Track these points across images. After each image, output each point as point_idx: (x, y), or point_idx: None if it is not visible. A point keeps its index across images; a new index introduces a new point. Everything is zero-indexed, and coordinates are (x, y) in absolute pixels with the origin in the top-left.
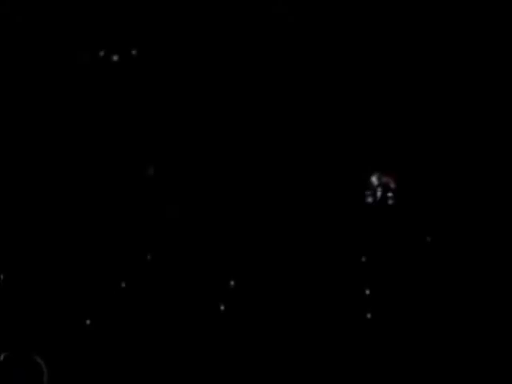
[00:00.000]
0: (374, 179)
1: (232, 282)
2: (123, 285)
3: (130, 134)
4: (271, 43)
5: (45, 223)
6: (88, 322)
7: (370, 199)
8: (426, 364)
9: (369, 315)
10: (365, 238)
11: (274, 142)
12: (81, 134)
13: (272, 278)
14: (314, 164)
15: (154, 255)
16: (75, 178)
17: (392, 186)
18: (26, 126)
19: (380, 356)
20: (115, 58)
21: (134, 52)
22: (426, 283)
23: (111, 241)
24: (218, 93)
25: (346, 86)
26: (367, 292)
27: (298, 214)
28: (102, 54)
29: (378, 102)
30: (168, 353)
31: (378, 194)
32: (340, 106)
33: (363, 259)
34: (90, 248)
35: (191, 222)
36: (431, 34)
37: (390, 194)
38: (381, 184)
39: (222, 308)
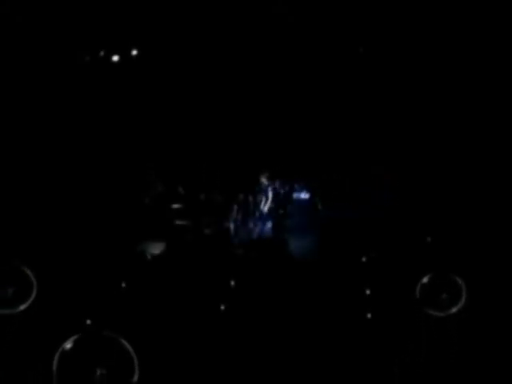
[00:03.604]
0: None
1: (232, 283)
2: (123, 285)
3: (129, 133)
4: (271, 43)
5: (46, 224)
6: (88, 321)
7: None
8: (426, 363)
9: (369, 315)
10: (365, 238)
11: (273, 140)
12: (81, 132)
13: (272, 278)
14: (313, 163)
15: (155, 256)
16: (76, 177)
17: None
18: (26, 125)
19: (380, 356)
20: (115, 58)
21: (134, 52)
22: (425, 283)
23: (112, 241)
24: (218, 92)
25: (345, 85)
26: (367, 292)
27: (297, 213)
28: (102, 54)
29: (378, 102)
30: (169, 351)
31: (269, 194)
32: (339, 106)
33: (363, 259)
34: (92, 248)
35: (192, 223)
36: (431, 35)
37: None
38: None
39: (223, 308)
